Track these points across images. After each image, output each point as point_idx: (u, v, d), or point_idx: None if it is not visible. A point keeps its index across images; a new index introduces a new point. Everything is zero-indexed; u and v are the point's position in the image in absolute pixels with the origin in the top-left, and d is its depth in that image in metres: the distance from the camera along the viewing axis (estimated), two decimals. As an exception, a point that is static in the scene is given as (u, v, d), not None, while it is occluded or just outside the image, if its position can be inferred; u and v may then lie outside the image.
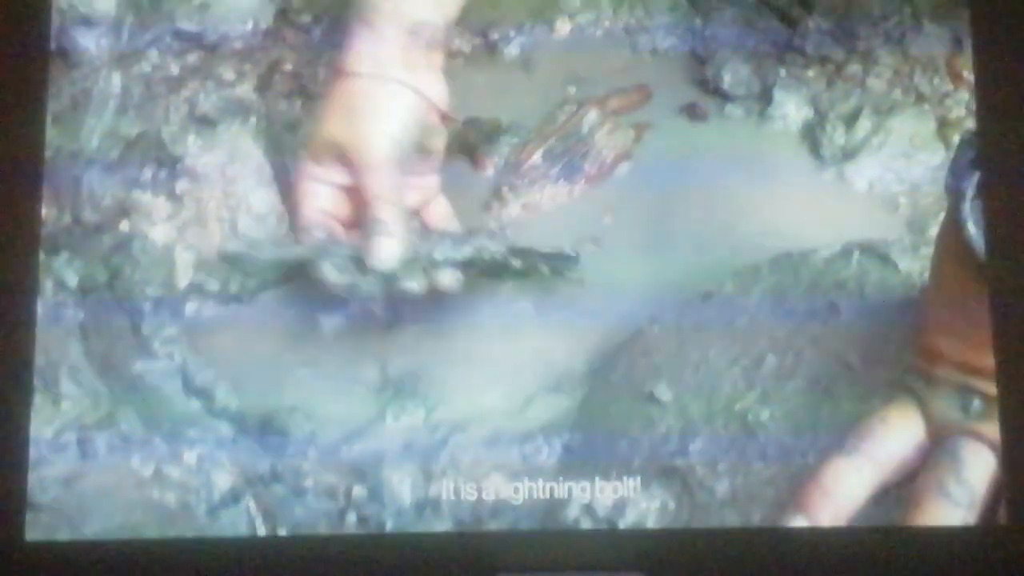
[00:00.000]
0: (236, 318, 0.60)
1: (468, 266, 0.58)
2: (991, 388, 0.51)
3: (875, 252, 0.58)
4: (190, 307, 0.60)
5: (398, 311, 0.59)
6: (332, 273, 0.57)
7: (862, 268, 0.58)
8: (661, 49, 0.66)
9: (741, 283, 0.58)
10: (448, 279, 0.58)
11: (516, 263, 0.59)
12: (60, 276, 0.59)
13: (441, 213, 0.62)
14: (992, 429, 0.50)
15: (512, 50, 0.65)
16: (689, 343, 0.57)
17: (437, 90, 0.60)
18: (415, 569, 0.54)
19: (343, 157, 0.58)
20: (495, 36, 0.65)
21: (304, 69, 0.64)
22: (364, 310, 0.58)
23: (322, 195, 0.59)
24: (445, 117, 0.61)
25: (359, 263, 0.57)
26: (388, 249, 0.57)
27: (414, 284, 0.57)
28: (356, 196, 0.58)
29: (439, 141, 0.61)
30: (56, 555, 0.54)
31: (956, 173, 0.50)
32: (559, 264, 0.60)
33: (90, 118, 0.61)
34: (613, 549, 0.53)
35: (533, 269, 0.59)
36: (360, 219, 0.58)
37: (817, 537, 0.51)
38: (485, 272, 0.59)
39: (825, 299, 0.57)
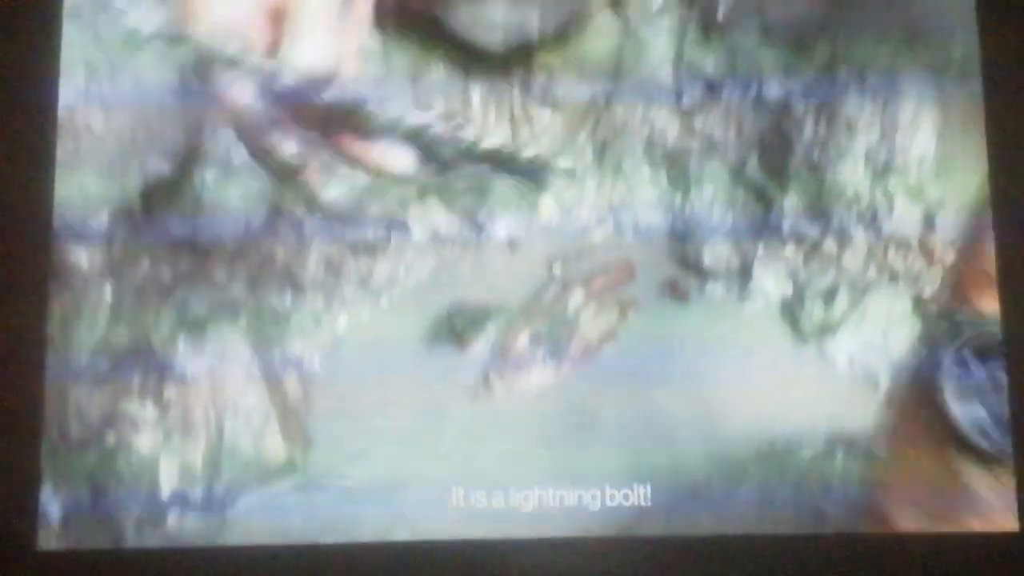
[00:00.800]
0: (218, 532, 0.58)
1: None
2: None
3: (858, 449, 0.58)
4: (172, 518, 0.58)
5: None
6: (238, 88, 0.41)
7: (846, 467, 0.58)
8: (643, 226, 0.67)
9: (727, 479, 0.58)
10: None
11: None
12: (44, 510, 0.57)
13: None
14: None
15: (498, 232, 0.66)
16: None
17: None
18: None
19: None
20: (482, 219, 0.66)
21: (294, 260, 0.64)
22: None
23: (236, 4, 0.45)
24: None
25: (275, 82, 0.43)
26: (313, 49, 0.43)
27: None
28: (279, 19, 0.44)
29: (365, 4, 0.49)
30: (67, 564, 0.53)
31: (933, 361, 0.50)
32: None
33: (81, 333, 0.61)
34: (622, 556, 0.53)
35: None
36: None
37: (828, 543, 0.51)
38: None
39: (811, 504, 0.57)
